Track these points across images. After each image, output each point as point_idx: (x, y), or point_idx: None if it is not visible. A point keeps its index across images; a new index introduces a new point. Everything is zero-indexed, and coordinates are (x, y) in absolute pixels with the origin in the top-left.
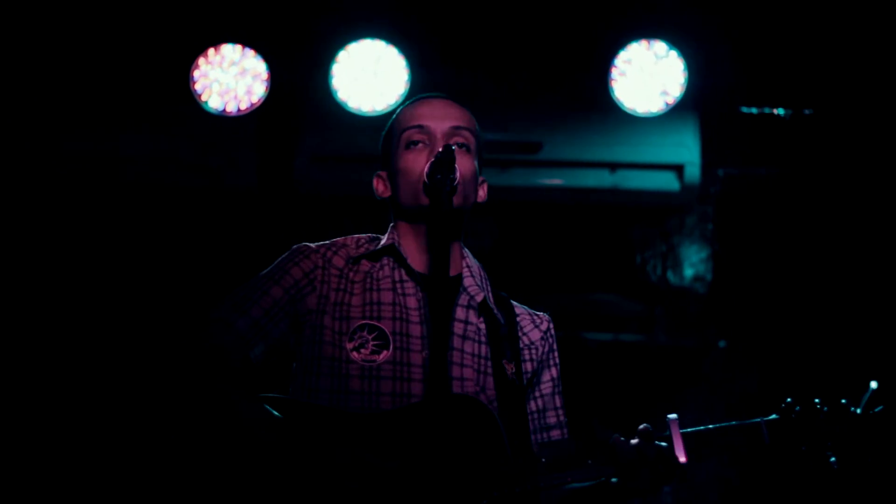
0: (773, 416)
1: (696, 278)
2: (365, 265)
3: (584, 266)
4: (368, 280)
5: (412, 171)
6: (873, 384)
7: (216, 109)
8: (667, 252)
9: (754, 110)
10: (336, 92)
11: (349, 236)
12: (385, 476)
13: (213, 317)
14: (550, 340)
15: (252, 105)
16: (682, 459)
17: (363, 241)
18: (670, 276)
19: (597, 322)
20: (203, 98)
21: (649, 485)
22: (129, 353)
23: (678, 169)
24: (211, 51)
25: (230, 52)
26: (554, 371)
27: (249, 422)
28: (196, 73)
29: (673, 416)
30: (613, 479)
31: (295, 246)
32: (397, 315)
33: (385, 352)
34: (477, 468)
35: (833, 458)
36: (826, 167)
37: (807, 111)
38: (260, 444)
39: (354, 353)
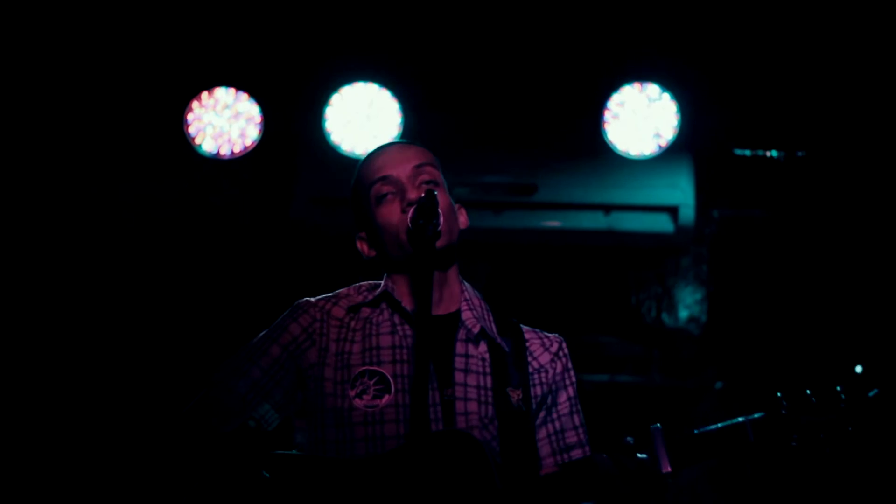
0: (759, 415)
1: (691, 319)
2: (365, 312)
3: (579, 307)
4: (368, 326)
5: (390, 223)
6: (858, 368)
7: (210, 153)
8: (662, 293)
9: (748, 152)
10: (329, 135)
11: (352, 286)
12: None
13: (215, 380)
14: (564, 360)
15: (246, 148)
16: (666, 469)
17: (364, 288)
18: (665, 317)
19: (593, 363)
20: (197, 141)
21: (632, 498)
22: (130, 408)
23: (672, 210)
24: (204, 94)
25: (223, 95)
26: (570, 390)
27: (235, 483)
28: (190, 117)
29: (656, 425)
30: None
31: (295, 302)
32: (397, 358)
33: (387, 395)
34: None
35: (827, 449)
36: (819, 209)
37: (799, 153)
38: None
39: (357, 400)
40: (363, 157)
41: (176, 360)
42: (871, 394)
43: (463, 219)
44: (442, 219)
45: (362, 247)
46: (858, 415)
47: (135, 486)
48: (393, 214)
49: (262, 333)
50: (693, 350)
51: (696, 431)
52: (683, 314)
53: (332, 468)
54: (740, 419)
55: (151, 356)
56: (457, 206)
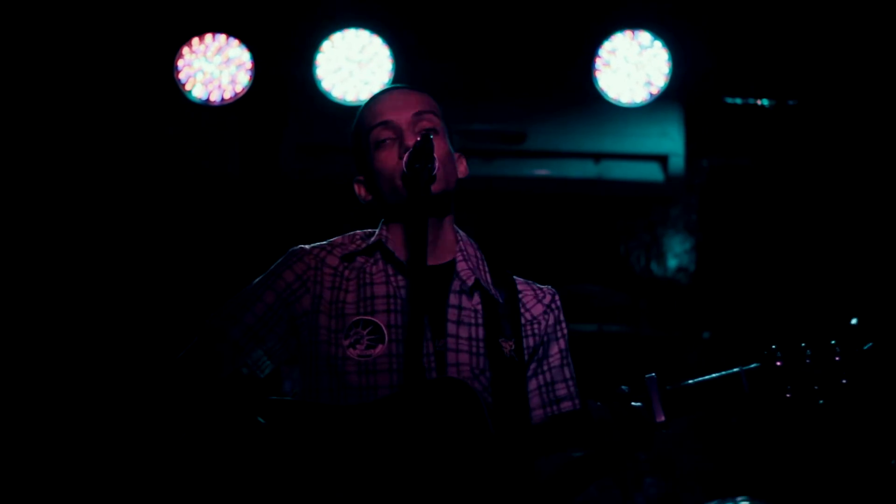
0: (754, 365)
1: (680, 269)
2: (359, 261)
3: (568, 256)
4: (362, 275)
5: (387, 168)
6: (854, 320)
7: (200, 99)
8: (651, 243)
9: (738, 101)
10: (320, 82)
11: (346, 234)
12: (361, 469)
13: (208, 325)
14: (556, 312)
15: (236, 94)
16: (660, 419)
17: (358, 237)
18: (654, 266)
19: (581, 313)
20: (187, 87)
21: (627, 445)
22: (121, 358)
23: (662, 160)
24: (195, 40)
25: (214, 41)
26: (562, 343)
27: (235, 429)
28: (180, 63)
29: (651, 375)
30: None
31: (290, 249)
32: (392, 307)
33: (381, 345)
34: (457, 452)
35: (822, 402)
36: (809, 158)
37: (791, 102)
38: (243, 448)
39: (350, 350)
40: (364, 102)
41: (166, 308)
42: (865, 347)
43: (462, 168)
44: (438, 164)
45: (359, 190)
46: (853, 367)
47: (130, 433)
48: (390, 159)
49: (256, 280)
50: (682, 300)
51: (690, 382)
52: (672, 263)
53: (327, 414)
54: (735, 370)
55: (140, 305)
56: (456, 155)
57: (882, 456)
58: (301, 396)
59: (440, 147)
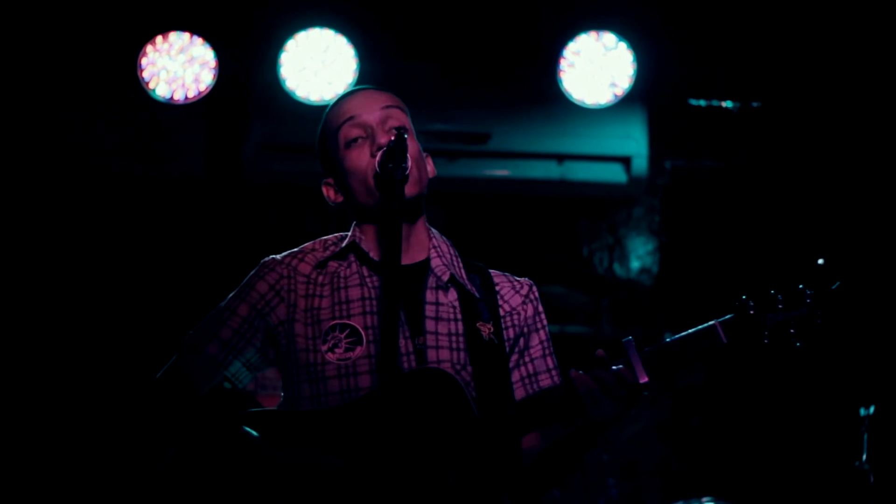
0: (729, 316)
1: (643, 270)
2: (332, 266)
3: (530, 257)
4: (336, 280)
5: (359, 168)
6: (820, 261)
7: (164, 97)
8: (613, 244)
9: (702, 103)
10: (284, 81)
11: (317, 240)
12: (350, 470)
13: (186, 344)
14: (535, 303)
15: (200, 93)
16: (643, 379)
17: (330, 242)
18: (617, 268)
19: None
20: (151, 86)
21: (613, 411)
22: (86, 371)
23: (626, 161)
24: (159, 38)
25: (178, 39)
26: (542, 334)
27: (217, 442)
28: (144, 61)
29: (628, 338)
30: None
31: (261, 260)
32: (367, 309)
33: (359, 347)
34: (444, 439)
35: (798, 343)
36: (773, 160)
37: (754, 104)
38: (228, 461)
39: (329, 354)
40: (329, 101)
41: (125, 312)
42: (833, 286)
43: (430, 167)
44: (411, 162)
45: (328, 192)
46: (825, 307)
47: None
48: (361, 158)
49: (229, 295)
50: (644, 301)
51: (668, 339)
52: (635, 265)
53: (310, 419)
54: (710, 322)
55: (97, 309)
56: (425, 155)
57: (846, 457)
58: (283, 406)
59: (412, 147)
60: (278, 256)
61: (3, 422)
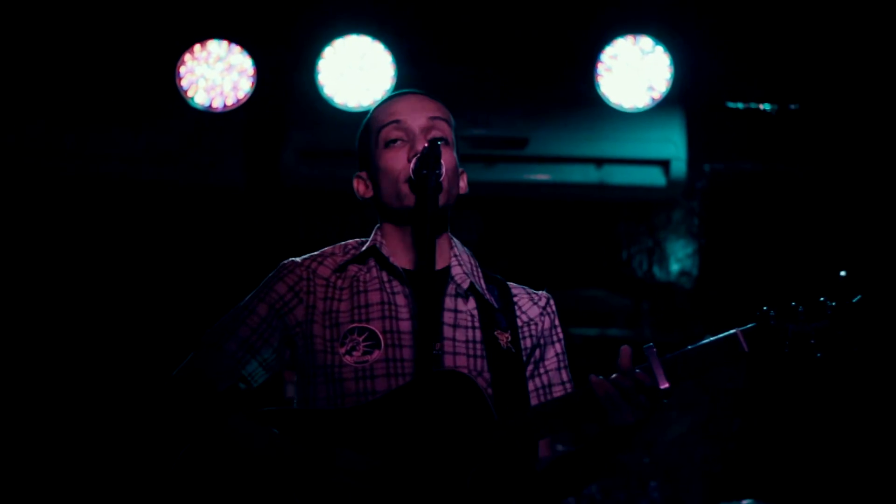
0: (750, 325)
1: (683, 273)
2: (352, 270)
3: (570, 261)
4: (356, 284)
5: (393, 169)
6: (843, 273)
7: (202, 105)
8: (653, 247)
9: (740, 105)
10: (322, 88)
11: (337, 244)
12: (369, 466)
13: (204, 341)
14: (552, 316)
15: (238, 101)
16: (664, 385)
17: (350, 246)
18: (656, 270)
19: (583, 317)
20: (189, 94)
21: (632, 416)
22: (123, 370)
23: (664, 164)
24: (197, 47)
25: (216, 47)
26: (558, 346)
27: (238, 436)
28: (182, 69)
29: (649, 345)
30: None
31: (281, 262)
32: (386, 314)
33: (377, 351)
34: (463, 439)
35: (819, 354)
36: (811, 162)
37: (792, 106)
38: (248, 455)
39: (347, 357)
40: (366, 107)
41: (162, 319)
42: (855, 300)
43: (464, 184)
44: (444, 171)
45: (358, 186)
46: (845, 319)
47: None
48: (398, 161)
49: (248, 295)
50: (684, 303)
51: (689, 347)
52: (675, 268)
53: (329, 417)
54: (732, 331)
55: (135, 316)
56: (461, 171)
57: (888, 459)
58: (299, 406)
59: (449, 158)
60: (298, 259)
61: (26, 422)
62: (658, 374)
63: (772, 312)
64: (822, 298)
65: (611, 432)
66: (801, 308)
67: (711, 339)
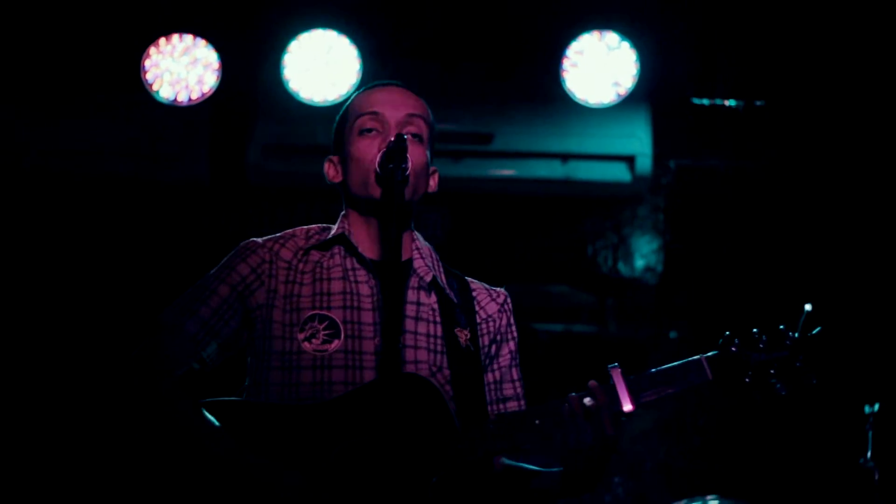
0: (713, 353)
1: (647, 269)
2: (315, 255)
3: (535, 256)
4: (318, 270)
5: (364, 158)
6: (808, 307)
7: (167, 99)
8: (618, 243)
9: (706, 101)
10: (287, 82)
11: (298, 227)
12: (323, 467)
13: (163, 321)
14: (508, 314)
15: (203, 95)
16: (628, 408)
17: (313, 231)
18: (621, 266)
19: (548, 313)
20: (154, 88)
21: (592, 438)
22: (75, 358)
23: (630, 160)
24: (162, 40)
25: (181, 41)
26: (512, 344)
27: (192, 428)
28: (147, 63)
29: (614, 364)
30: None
31: (242, 242)
32: (348, 303)
33: (336, 341)
34: (423, 446)
35: (778, 385)
36: (776, 159)
37: (758, 103)
38: (203, 457)
39: (306, 344)
40: (331, 101)
41: (123, 316)
42: (814, 332)
43: (433, 182)
44: (410, 166)
45: (329, 169)
46: (803, 351)
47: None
48: (369, 150)
49: (208, 273)
50: (649, 300)
51: (653, 370)
52: (639, 264)
53: (286, 414)
54: (696, 357)
55: (97, 305)
56: (432, 169)
57: (851, 454)
58: (250, 392)
59: (420, 155)
60: (259, 240)
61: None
62: (623, 396)
63: (735, 339)
64: (781, 327)
65: (576, 452)
66: (763, 336)
67: (677, 363)
